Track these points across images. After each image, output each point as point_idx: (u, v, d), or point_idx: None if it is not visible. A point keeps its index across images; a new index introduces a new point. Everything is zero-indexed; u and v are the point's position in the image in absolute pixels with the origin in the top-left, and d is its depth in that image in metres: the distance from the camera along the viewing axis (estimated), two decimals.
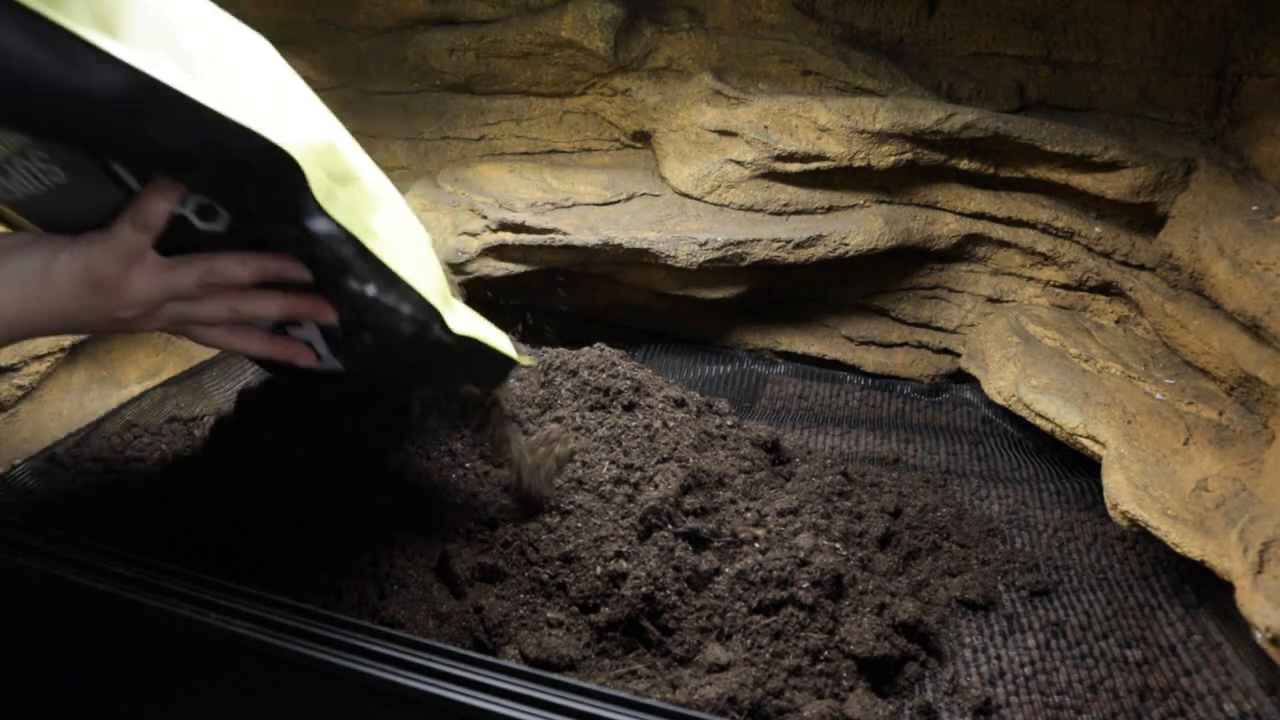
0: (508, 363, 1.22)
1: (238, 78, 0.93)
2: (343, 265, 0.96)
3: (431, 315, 1.05)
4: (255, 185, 0.88)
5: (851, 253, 2.27)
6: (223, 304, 1.00)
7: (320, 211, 0.91)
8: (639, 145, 2.67)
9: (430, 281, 1.06)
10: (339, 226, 0.93)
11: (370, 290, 0.99)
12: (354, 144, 1.06)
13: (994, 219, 2.30)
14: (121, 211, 0.93)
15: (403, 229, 1.08)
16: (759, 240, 2.26)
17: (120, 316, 0.97)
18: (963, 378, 2.38)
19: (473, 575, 1.33)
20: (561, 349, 1.80)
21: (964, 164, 2.23)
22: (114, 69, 0.75)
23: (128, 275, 0.94)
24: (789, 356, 2.52)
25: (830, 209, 2.37)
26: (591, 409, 1.65)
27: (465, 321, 1.12)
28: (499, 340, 1.20)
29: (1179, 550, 1.47)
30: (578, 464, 1.52)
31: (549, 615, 1.31)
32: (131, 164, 0.91)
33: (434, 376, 1.29)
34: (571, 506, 1.44)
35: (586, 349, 1.79)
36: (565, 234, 2.27)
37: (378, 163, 2.82)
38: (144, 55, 0.77)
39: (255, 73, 0.98)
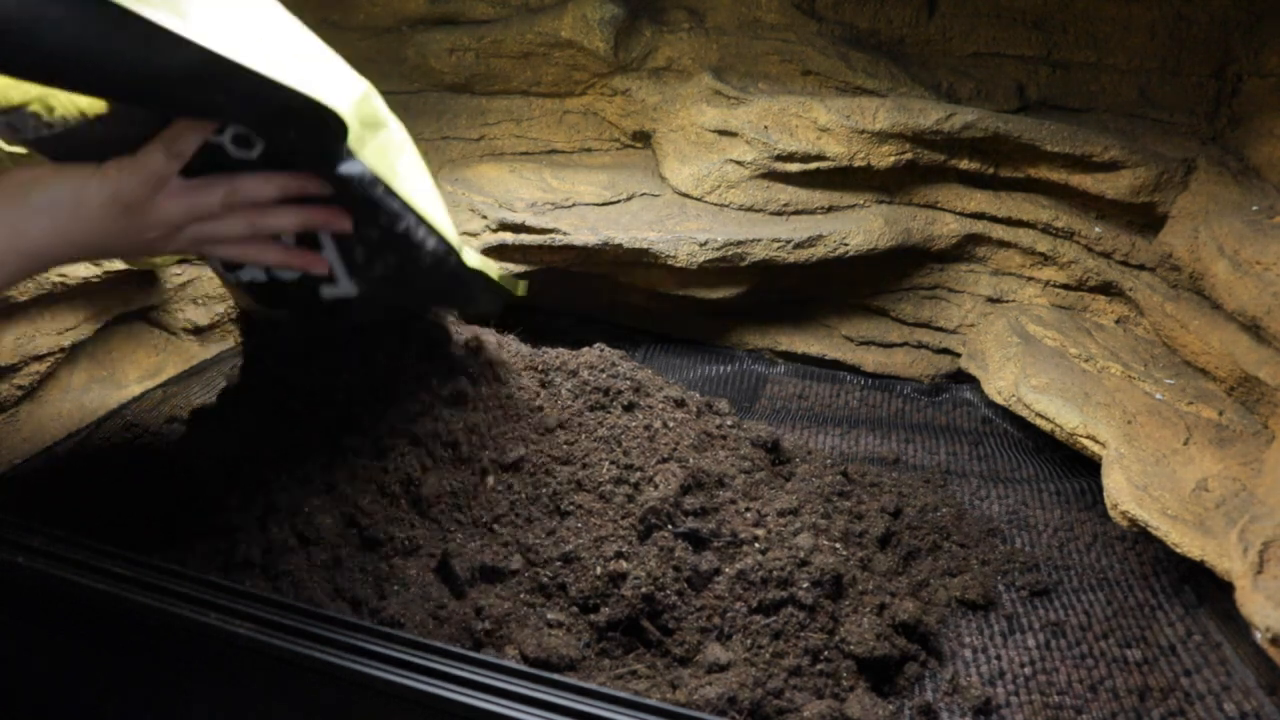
0: (506, 293, 1.38)
1: (283, 35, 1.00)
2: (371, 201, 1.06)
3: (449, 249, 1.16)
4: (299, 131, 0.97)
5: (851, 253, 2.27)
6: (243, 220, 1.05)
7: (352, 155, 1.01)
8: (639, 145, 2.67)
9: (445, 220, 1.18)
10: (368, 169, 1.03)
11: (396, 225, 1.10)
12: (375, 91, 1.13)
13: (994, 219, 2.30)
14: (151, 138, 0.98)
15: (421, 172, 1.17)
16: (759, 240, 2.26)
17: (147, 238, 1.02)
18: (963, 378, 2.37)
19: (473, 576, 1.33)
20: (561, 349, 1.80)
21: (964, 164, 2.23)
22: (187, 49, 0.82)
23: (155, 199, 0.99)
24: (789, 356, 2.51)
25: (830, 209, 2.37)
26: (591, 409, 1.65)
27: (474, 257, 1.24)
28: (497, 272, 1.33)
29: (1179, 550, 1.47)
30: (577, 465, 1.52)
31: (549, 616, 1.31)
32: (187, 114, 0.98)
33: (442, 301, 1.44)
34: (572, 507, 1.44)
35: (586, 349, 1.79)
36: (565, 234, 2.27)
37: None
38: (209, 31, 0.84)
39: (290, 27, 1.04)
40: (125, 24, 0.78)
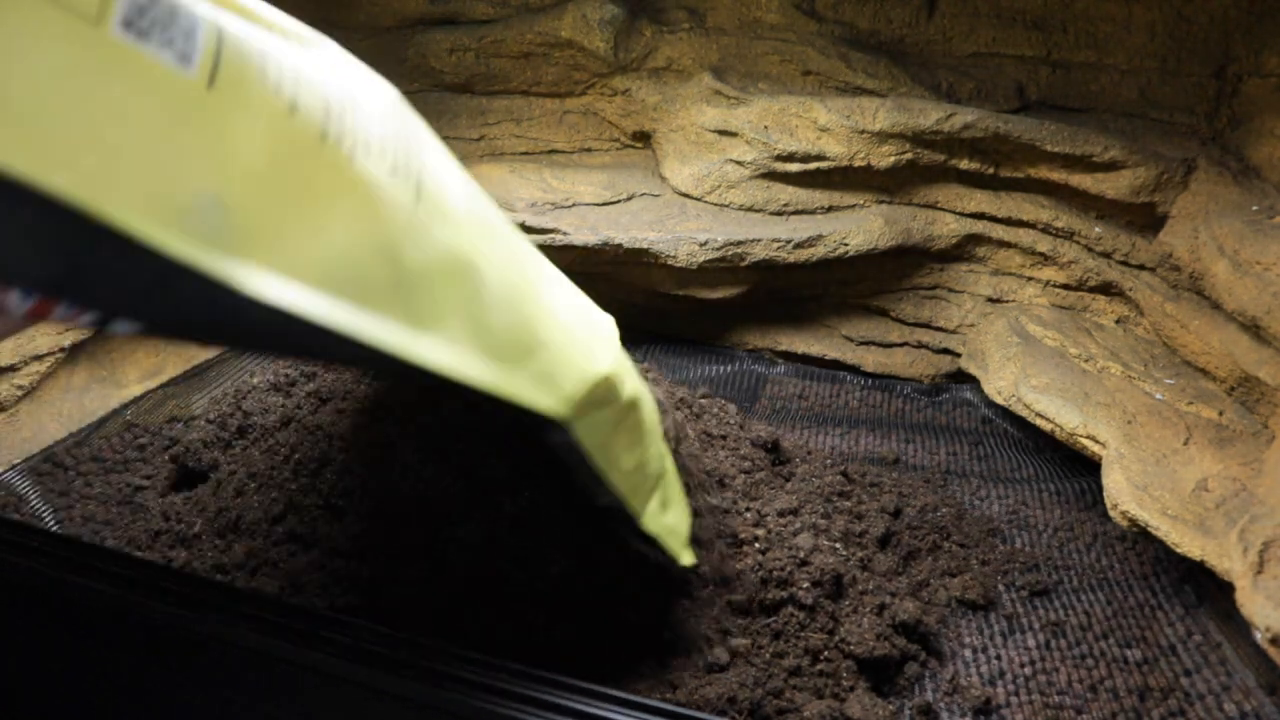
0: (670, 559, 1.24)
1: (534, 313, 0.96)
2: (564, 463, 1.02)
3: (624, 518, 1.12)
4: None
5: (851, 253, 2.27)
6: None
7: (564, 428, 0.96)
8: (639, 145, 2.67)
9: (639, 482, 1.13)
10: (575, 440, 0.97)
11: (577, 480, 1.05)
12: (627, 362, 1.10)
13: (994, 219, 2.30)
14: None
15: (638, 434, 1.13)
16: (759, 240, 2.25)
17: None
18: (963, 378, 2.37)
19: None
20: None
21: (964, 164, 2.23)
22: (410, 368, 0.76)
23: None
24: (789, 356, 2.51)
25: (830, 209, 2.37)
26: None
27: (658, 520, 1.17)
28: (676, 540, 1.22)
29: (1179, 550, 1.47)
30: None
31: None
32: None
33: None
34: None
35: None
36: (565, 234, 2.27)
37: None
38: (440, 351, 0.79)
39: (552, 297, 1.03)
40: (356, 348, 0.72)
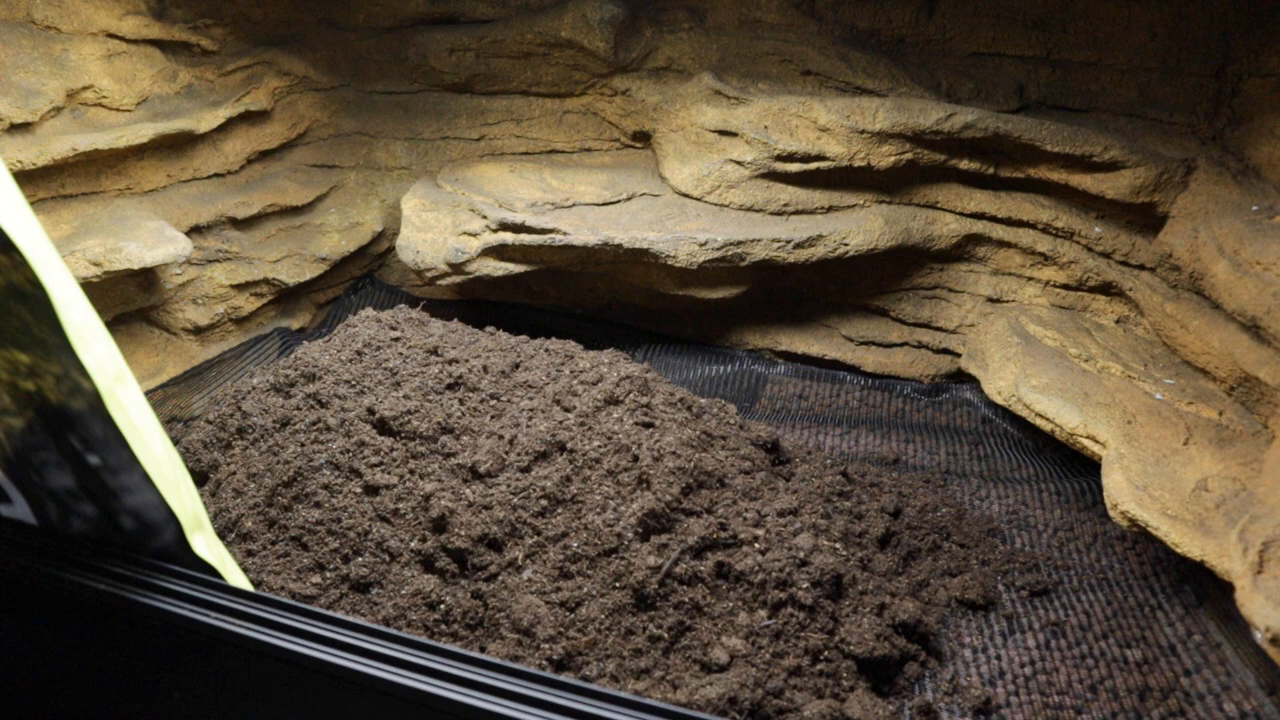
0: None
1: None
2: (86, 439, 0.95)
3: (169, 520, 1.02)
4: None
5: (851, 253, 2.27)
6: None
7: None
8: (639, 145, 2.67)
9: (182, 497, 1.04)
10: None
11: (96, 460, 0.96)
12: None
13: (994, 219, 2.30)
14: None
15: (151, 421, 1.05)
16: (759, 240, 2.25)
17: None
18: (963, 378, 2.37)
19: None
20: (576, 345, 1.81)
21: (964, 164, 2.23)
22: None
23: None
24: (789, 356, 2.51)
25: (830, 209, 2.37)
26: (594, 409, 1.66)
27: (209, 549, 1.07)
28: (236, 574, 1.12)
29: (1179, 550, 1.46)
30: (579, 462, 1.52)
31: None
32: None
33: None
34: (574, 505, 1.44)
35: (592, 352, 1.79)
36: (565, 234, 2.27)
37: (377, 163, 2.80)
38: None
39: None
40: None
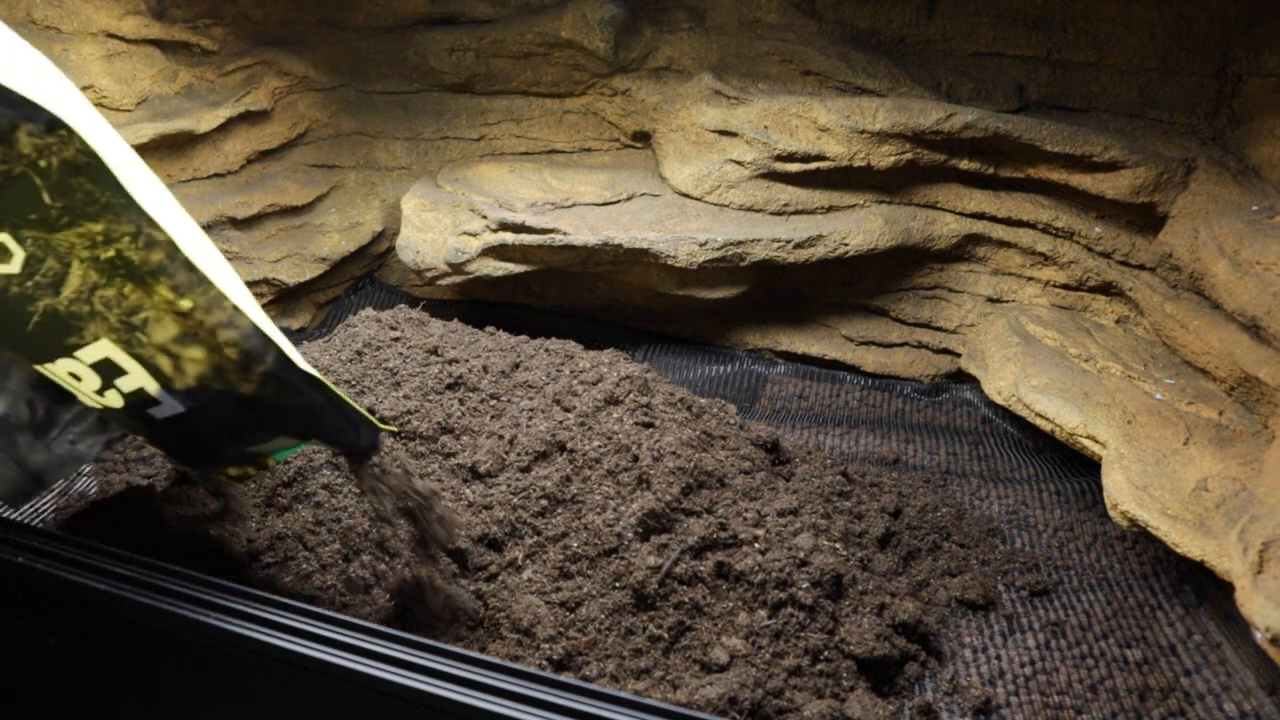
0: (362, 419, 1.20)
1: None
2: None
3: (268, 344, 1.07)
4: None
5: (851, 253, 2.27)
6: None
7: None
8: (639, 145, 2.67)
9: (267, 326, 1.10)
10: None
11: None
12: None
13: (994, 219, 2.30)
14: None
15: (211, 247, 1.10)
16: (759, 240, 2.25)
17: None
18: (963, 378, 2.37)
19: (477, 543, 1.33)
20: (575, 345, 1.81)
21: (964, 164, 2.23)
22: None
23: None
24: (789, 356, 2.51)
25: (830, 209, 2.37)
26: (594, 409, 1.66)
27: (310, 368, 1.13)
28: (352, 403, 1.18)
29: (1179, 550, 1.46)
30: (579, 462, 1.52)
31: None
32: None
33: (286, 424, 1.21)
34: (574, 503, 1.44)
35: (592, 352, 1.79)
36: (565, 234, 2.27)
37: (377, 163, 2.80)
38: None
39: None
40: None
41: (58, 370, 1.14)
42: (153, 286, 1.01)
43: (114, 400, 1.16)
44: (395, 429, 1.42)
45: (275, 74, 2.56)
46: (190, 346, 1.07)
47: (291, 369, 1.10)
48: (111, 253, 0.99)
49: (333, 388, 1.15)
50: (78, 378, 1.14)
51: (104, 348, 1.08)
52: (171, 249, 0.99)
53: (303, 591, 1.36)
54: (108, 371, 1.11)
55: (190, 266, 1.00)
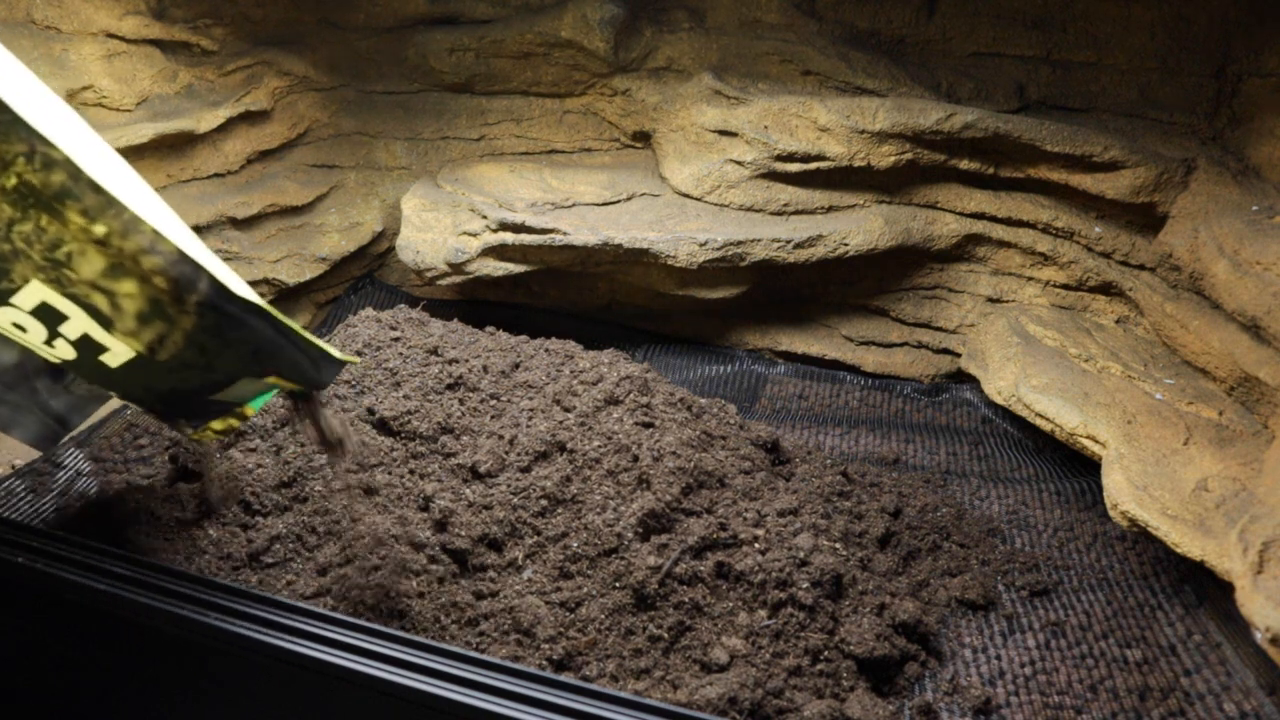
0: (326, 360, 1.18)
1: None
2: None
3: (199, 271, 1.02)
4: None
5: (851, 253, 2.27)
6: None
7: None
8: (639, 145, 2.67)
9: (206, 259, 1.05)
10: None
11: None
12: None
13: (994, 219, 2.30)
14: None
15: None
16: (759, 240, 2.26)
17: None
18: (963, 378, 2.37)
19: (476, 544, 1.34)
20: (577, 345, 1.81)
21: (964, 164, 2.23)
22: None
23: None
24: (789, 356, 2.51)
25: (830, 209, 2.37)
26: (594, 409, 1.66)
27: (246, 289, 1.09)
28: (308, 335, 1.16)
29: (1179, 550, 1.46)
30: (579, 462, 1.52)
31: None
32: None
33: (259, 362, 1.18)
34: (574, 501, 1.44)
35: (592, 352, 1.79)
36: (565, 234, 2.27)
37: (377, 163, 2.79)
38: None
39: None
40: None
41: (2, 323, 1.09)
42: (64, 214, 0.96)
43: (66, 351, 1.11)
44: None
45: (275, 74, 2.56)
46: (121, 279, 1.02)
47: (228, 297, 1.04)
48: (13, 179, 0.93)
49: (282, 318, 1.10)
50: (22, 328, 1.09)
51: (38, 290, 1.03)
52: (72, 168, 0.93)
53: (302, 591, 1.36)
54: (49, 317, 1.07)
55: (96, 188, 0.95)
